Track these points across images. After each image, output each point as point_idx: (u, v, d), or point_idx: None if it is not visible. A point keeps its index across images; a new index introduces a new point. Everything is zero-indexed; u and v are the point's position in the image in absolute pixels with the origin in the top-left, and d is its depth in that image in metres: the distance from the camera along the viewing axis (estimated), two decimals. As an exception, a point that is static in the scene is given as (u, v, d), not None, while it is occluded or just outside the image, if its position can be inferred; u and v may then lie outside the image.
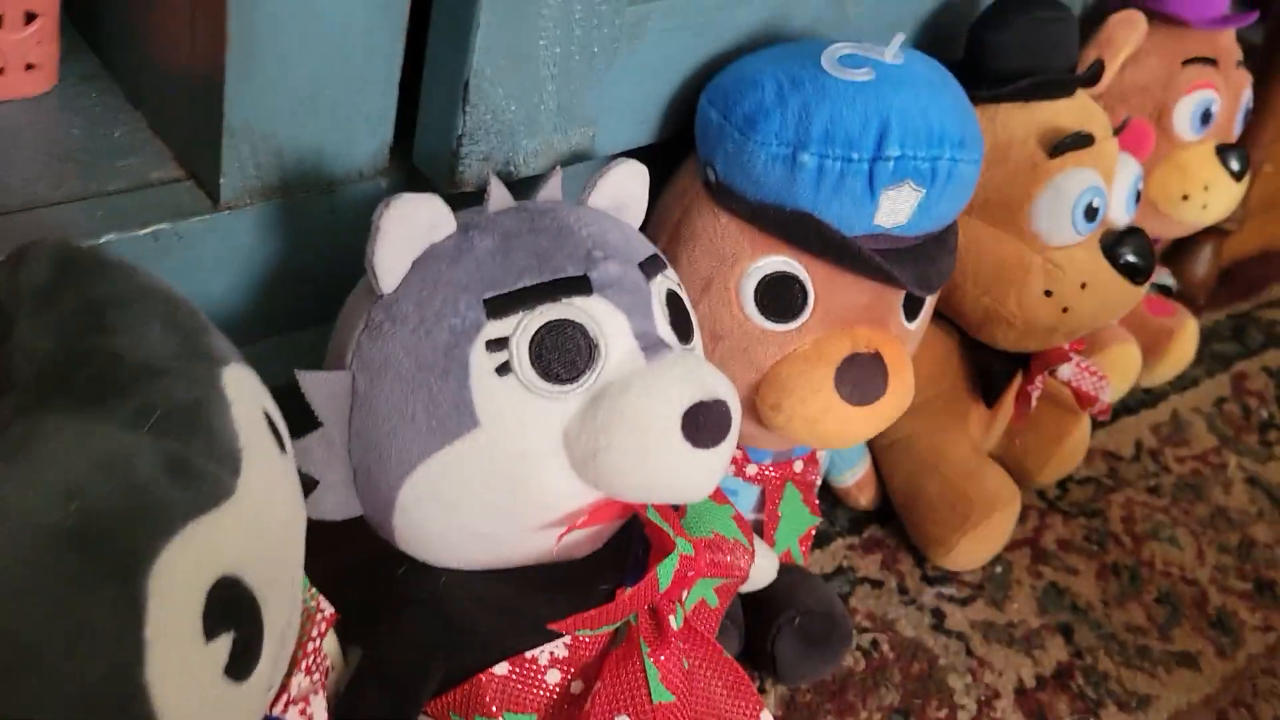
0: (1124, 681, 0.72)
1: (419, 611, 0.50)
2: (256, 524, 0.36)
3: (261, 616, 0.36)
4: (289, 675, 0.44)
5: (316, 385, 0.46)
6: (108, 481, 0.32)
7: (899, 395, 0.58)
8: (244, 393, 0.39)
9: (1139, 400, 0.93)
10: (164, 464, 0.34)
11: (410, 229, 0.45)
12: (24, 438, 0.33)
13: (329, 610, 0.46)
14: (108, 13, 0.55)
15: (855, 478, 0.75)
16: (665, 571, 0.49)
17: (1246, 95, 0.82)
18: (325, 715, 0.45)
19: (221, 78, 0.47)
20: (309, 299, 0.55)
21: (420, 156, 0.54)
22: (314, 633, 0.45)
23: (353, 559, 0.54)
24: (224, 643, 0.34)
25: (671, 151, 0.62)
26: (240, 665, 0.35)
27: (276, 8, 0.46)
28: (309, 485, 0.47)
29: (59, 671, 0.31)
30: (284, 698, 0.43)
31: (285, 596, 0.39)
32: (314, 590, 0.46)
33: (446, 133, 0.52)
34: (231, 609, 0.35)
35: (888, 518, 0.77)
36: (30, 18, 0.51)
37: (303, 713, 0.44)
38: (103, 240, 0.48)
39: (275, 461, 0.39)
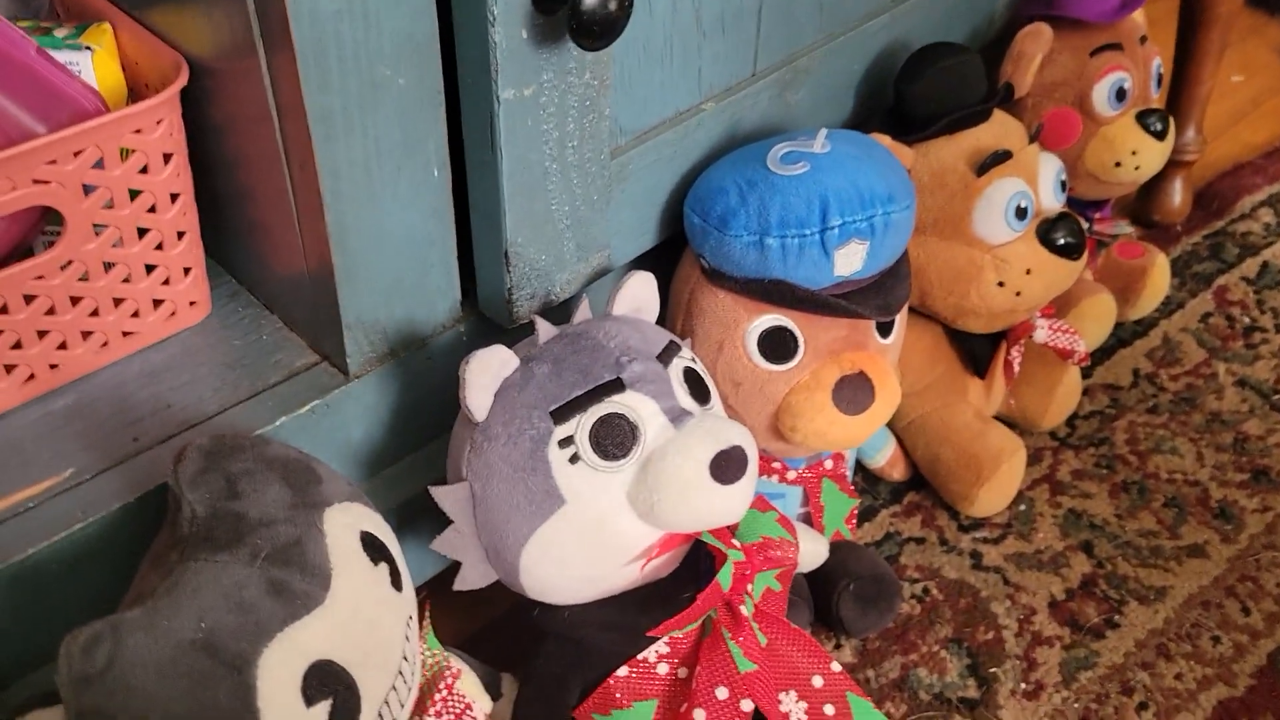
0: (1141, 579, 0.86)
1: (555, 641, 0.68)
2: (346, 622, 0.53)
3: (356, 685, 0.53)
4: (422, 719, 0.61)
5: (444, 495, 0.64)
6: (227, 605, 0.50)
7: (887, 399, 0.74)
8: (342, 524, 0.55)
9: (1131, 332, 1.06)
10: (268, 588, 0.51)
11: (486, 375, 0.63)
12: (177, 579, 0.51)
13: (456, 668, 0.64)
14: (238, 245, 0.74)
15: (885, 458, 0.91)
16: (724, 577, 0.66)
17: (1155, 64, 0.94)
18: None
19: (333, 288, 0.65)
20: (424, 424, 0.73)
21: (484, 305, 0.71)
22: (441, 686, 0.62)
23: (499, 610, 0.72)
24: (324, 707, 0.51)
25: (675, 243, 0.78)
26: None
27: (360, 234, 0.64)
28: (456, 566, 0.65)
29: None
30: None
31: (381, 669, 0.55)
32: (445, 653, 0.63)
33: (499, 288, 0.69)
34: (327, 682, 0.51)
35: (922, 484, 0.93)
36: (187, 270, 0.70)
37: None
38: (278, 423, 0.66)
39: (366, 573, 0.55)
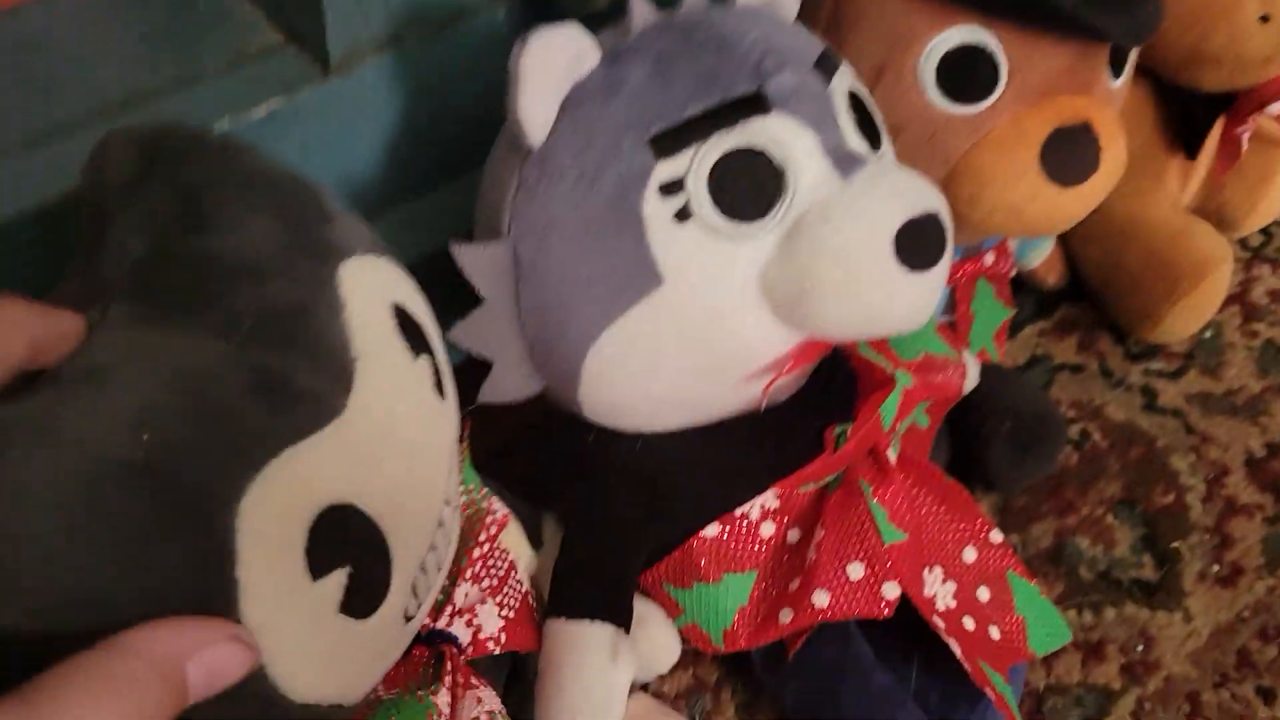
0: (1364, 436, 0.66)
1: (619, 480, 0.47)
2: (375, 445, 0.32)
3: (387, 547, 0.32)
4: (454, 586, 0.40)
5: (475, 259, 0.41)
6: (185, 406, 0.28)
7: (1112, 168, 0.51)
8: (367, 289, 0.33)
9: (1343, 120, 0.82)
10: (254, 383, 0.29)
11: (552, 70, 0.39)
12: (96, 354, 0.28)
13: (501, 512, 0.43)
14: None
15: (1041, 256, 0.68)
16: (889, 410, 0.45)
17: None
18: (497, 621, 0.42)
19: (307, -80, 0.41)
20: (442, 154, 0.50)
21: (539, -25, 0.47)
22: (482, 537, 0.41)
23: (534, 427, 0.50)
24: (337, 579, 0.30)
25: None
26: (361, 601, 0.31)
27: None
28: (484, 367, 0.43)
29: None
30: (448, 609, 0.40)
31: (420, 521, 0.34)
32: (485, 490, 0.42)
33: (568, -58, 0.44)
34: (343, 542, 0.31)
35: (1077, 295, 0.71)
36: (80, -117, 0.45)
37: (469, 624, 0.41)
38: (216, 130, 0.43)
39: (403, 370, 0.34)
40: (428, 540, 0.34)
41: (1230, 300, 0.72)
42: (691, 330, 0.41)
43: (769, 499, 0.48)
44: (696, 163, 0.39)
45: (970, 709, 0.51)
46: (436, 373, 0.35)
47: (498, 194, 0.42)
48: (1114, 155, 0.51)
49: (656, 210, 0.40)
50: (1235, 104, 0.64)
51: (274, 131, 0.44)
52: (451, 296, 0.42)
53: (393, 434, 0.32)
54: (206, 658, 0.26)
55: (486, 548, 0.41)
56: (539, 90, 0.39)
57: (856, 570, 0.46)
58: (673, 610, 0.48)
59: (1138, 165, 0.66)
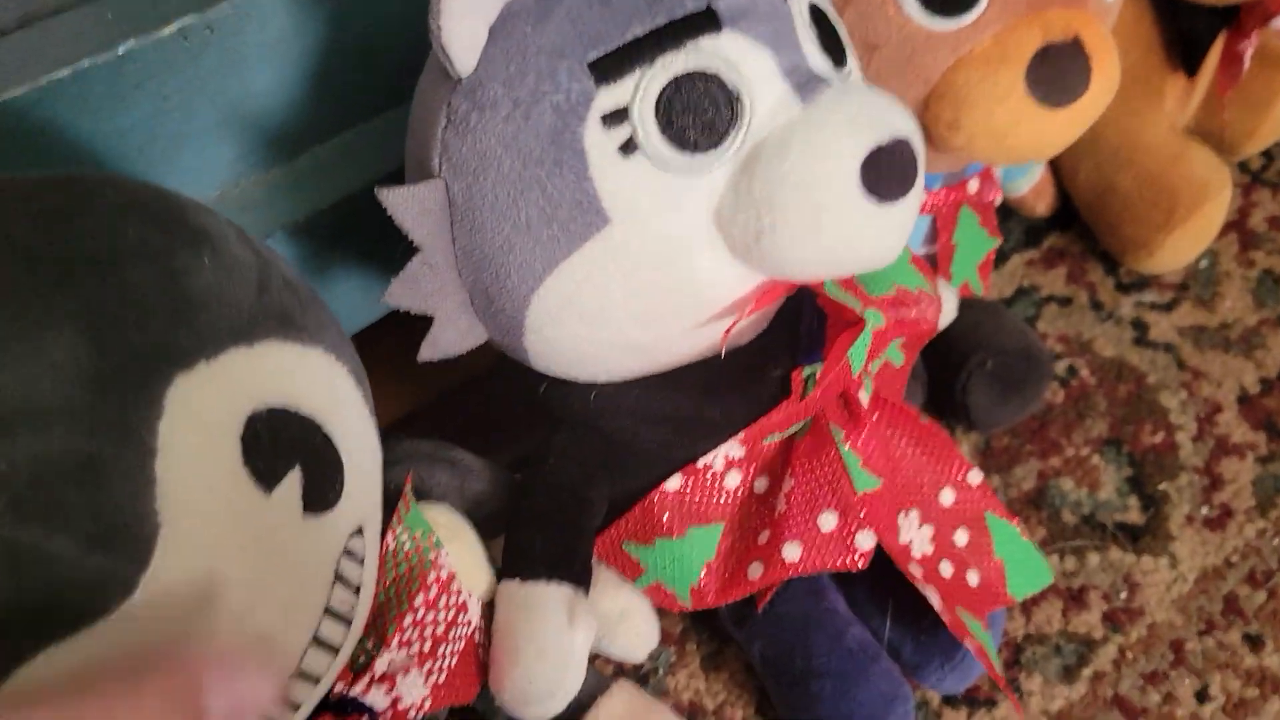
0: (1363, 371, 0.63)
1: (571, 434, 0.44)
2: (182, 620, 0.27)
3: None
4: (376, 654, 0.37)
5: (403, 203, 0.37)
6: None
7: (1104, 88, 0.47)
8: (208, 410, 0.28)
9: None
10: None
11: (479, -12, 0.35)
12: None
13: (446, 570, 0.39)
14: None
15: (1031, 183, 0.65)
16: (858, 354, 0.41)
17: None
18: (421, 691, 0.38)
19: None
20: (378, 79, 0.46)
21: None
22: (419, 601, 0.38)
23: (484, 375, 0.47)
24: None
25: None
26: None
27: None
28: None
29: None
30: (367, 676, 0.37)
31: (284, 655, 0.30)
32: (434, 539, 0.39)
33: None
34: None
35: (1067, 222, 0.67)
36: None
37: (388, 692, 0.37)
38: (120, 51, 0.39)
39: (241, 515, 0.28)
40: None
41: (1228, 227, 0.68)
42: (642, 273, 0.38)
43: (733, 448, 0.45)
44: (642, 89, 0.36)
45: (945, 659, 0.49)
46: (315, 481, 0.30)
47: (426, 129, 0.38)
48: (1106, 74, 0.47)
49: (599, 143, 0.36)
50: (1238, 18, 0.60)
51: (185, 57, 0.40)
52: (386, 235, 0.38)
53: (215, 599, 0.27)
54: None
55: (421, 613, 0.37)
56: (464, 12, 0.35)
57: (829, 520, 0.44)
58: (634, 570, 0.46)
59: (1133, 83, 0.62)
